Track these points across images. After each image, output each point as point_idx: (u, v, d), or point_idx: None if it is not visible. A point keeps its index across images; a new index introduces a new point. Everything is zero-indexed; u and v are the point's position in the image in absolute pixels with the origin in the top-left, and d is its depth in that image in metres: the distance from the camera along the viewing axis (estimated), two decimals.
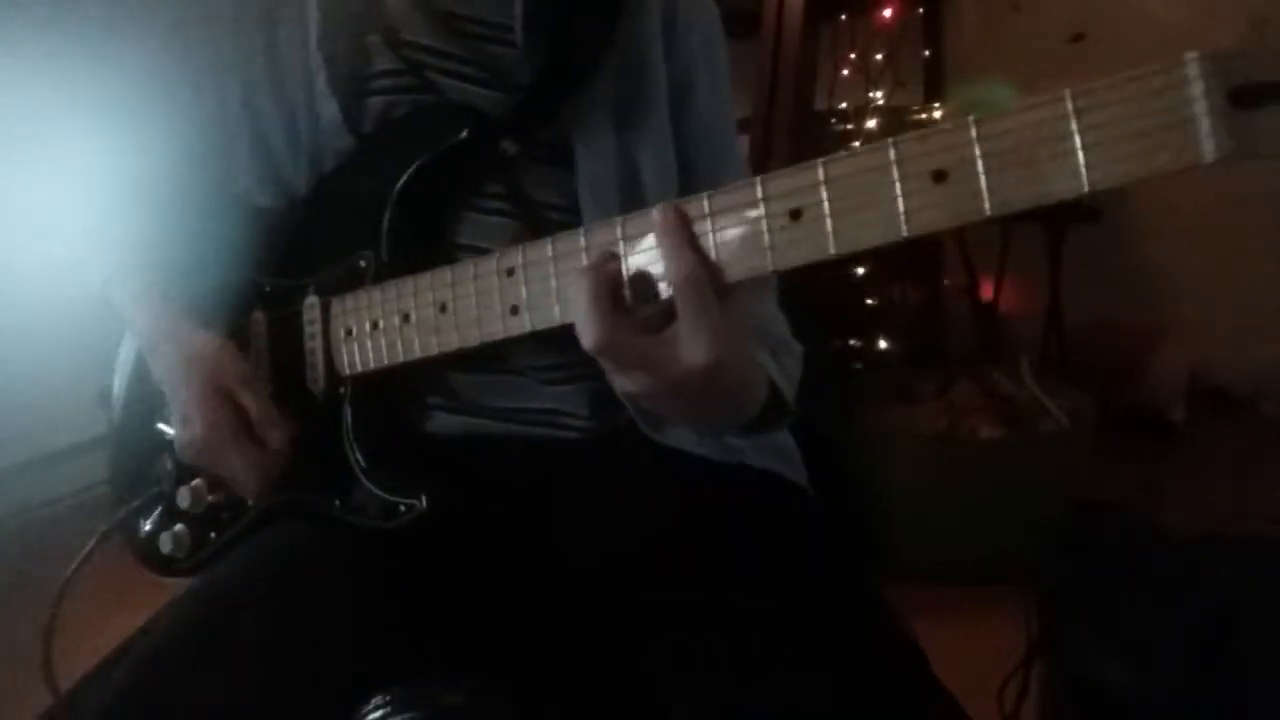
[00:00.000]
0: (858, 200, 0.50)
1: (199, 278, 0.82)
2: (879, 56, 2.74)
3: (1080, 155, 0.43)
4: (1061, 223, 2.56)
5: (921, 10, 2.97)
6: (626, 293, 0.57)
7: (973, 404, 2.09)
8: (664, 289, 0.55)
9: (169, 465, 0.83)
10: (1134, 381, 2.57)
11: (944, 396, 2.15)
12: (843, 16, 2.77)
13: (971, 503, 1.94)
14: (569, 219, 0.79)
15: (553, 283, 0.61)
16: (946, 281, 2.99)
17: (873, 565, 2.17)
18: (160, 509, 0.85)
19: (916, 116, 2.74)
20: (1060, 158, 0.44)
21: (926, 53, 3.00)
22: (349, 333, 0.75)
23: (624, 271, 0.57)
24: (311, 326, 0.77)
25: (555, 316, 0.61)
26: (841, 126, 2.67)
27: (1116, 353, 2.60)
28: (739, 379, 0.61)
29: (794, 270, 0.52)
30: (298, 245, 0.82)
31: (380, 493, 0.73)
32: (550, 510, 0.80)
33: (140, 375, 0.87)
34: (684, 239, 0.54)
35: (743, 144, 2.33)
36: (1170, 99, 0.41)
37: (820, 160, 0.51)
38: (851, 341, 2.67)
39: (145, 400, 0.87)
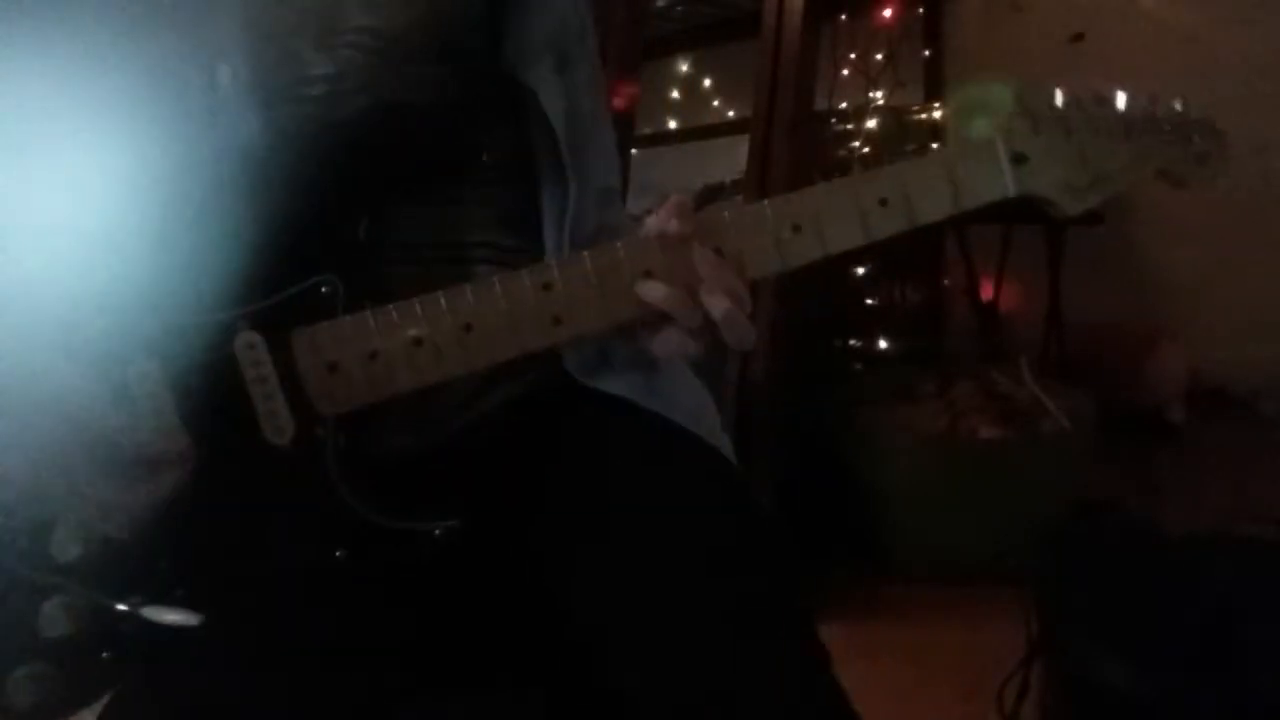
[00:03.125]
0: (833, 214, 0.70)
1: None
2: (879, 56, 2.74)
3: (950, 186, 0.70)
4: (1062, 223, 2.56)
5: (921, 10, 2.97)
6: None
7: (973, 404, 2.09)
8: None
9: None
10: (1134, 381, 2.57)
11: (944, 396, 2.15)
12: (843, 16, 2.77)
13: (971, 503, 1.94)
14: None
15: (596, 292, 0.68)
16: (946, 281, 2.99)
17: (871, 563, 2.17)
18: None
19: (916, 116, 2.74)
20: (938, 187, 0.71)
21: (926, 53, 3.00)
22: (333, 367, 0.67)
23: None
24: (258, 368, 0.67)
25: (603, 323, 0.69)
26: (841, 126, 2.68)
27: (1116, 353, 2.60)
28: None
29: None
30: (203, 276, 0.69)
31: (398, 524, 0.68)
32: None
33: None
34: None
35: (743, 144, 2.33)
36: (992, 157, 0.71)
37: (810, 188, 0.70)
38: (851, 341, 2.67)
39: None
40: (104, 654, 0.64)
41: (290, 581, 0.69)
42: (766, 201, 0.69)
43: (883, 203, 0.69)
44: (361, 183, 0.71)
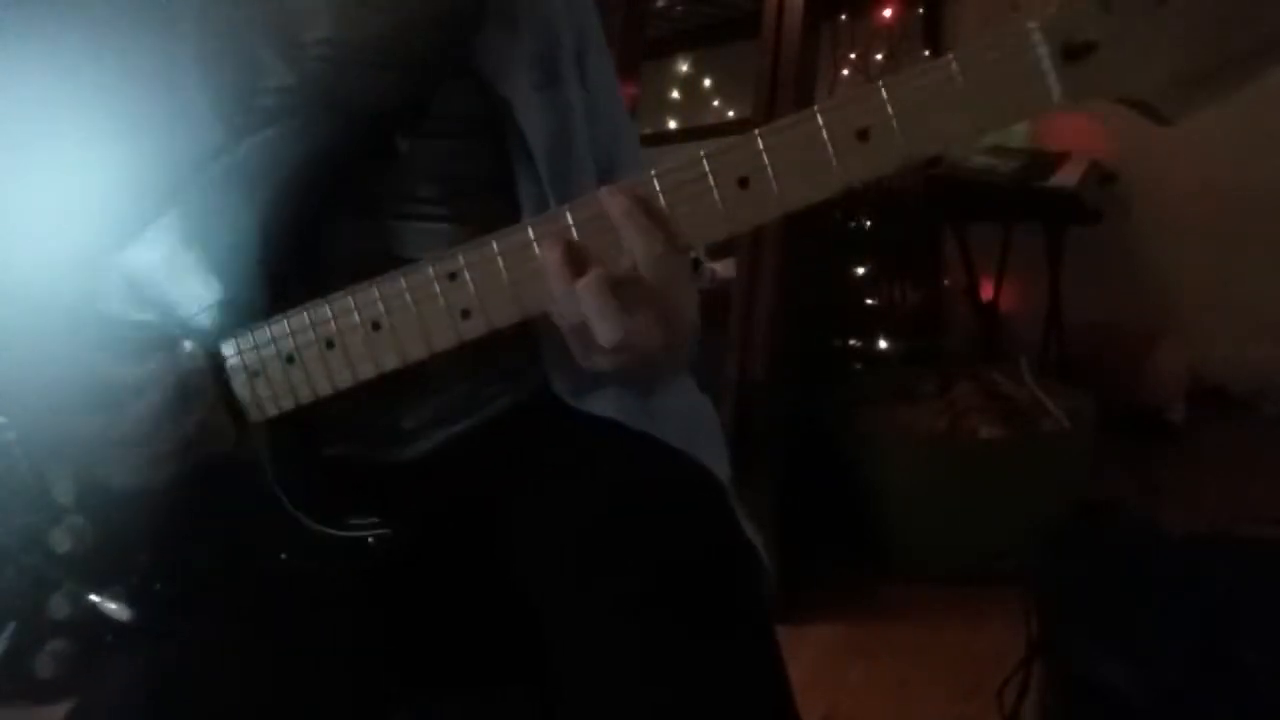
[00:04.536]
0: (795, 161, 0.55)
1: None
2: (879, 56, 2.75)
3: (961, 102, 0.52)
4: (1062, 223, 2.57)
5: (921, 10, 2.97)
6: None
7: (973, 404, 2.10)
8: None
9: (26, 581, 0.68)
10: (1134, 381, 2.57)
11: (944, 396, 2.16)
12: (843, 16, 2.77)
13: (971, 503, 1.94)
14: (490, 198, 0.76)
15: (505, 278, 0.61)
16: (946, 281, 2.99)
17: (871, 563, 2.17)
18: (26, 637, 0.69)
19: None
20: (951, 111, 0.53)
21: (926, 53, 3.00)
22: (255, 374, 0.68)
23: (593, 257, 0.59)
24: (198, 377, 0.68)
25: (514, 313, 0.62)
26: None
27: (1116, 353, 2.61)
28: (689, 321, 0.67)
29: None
30: (143, 289, 0.71)
31: (336, 531, 0.69)
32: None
33: None
34: (647, 219, 0.57)
35: None
36: (1024, 58, 0.51)
37: (757, 130, 0.56)
38: (851, 341, 2.67)
39: None
40: (107, 637, 0.69)
41: (251, 582, 0.71)
42: (702, 151, 0.56)
43: (861, 135, 0.53)
44: (314, 193, 0.70)
